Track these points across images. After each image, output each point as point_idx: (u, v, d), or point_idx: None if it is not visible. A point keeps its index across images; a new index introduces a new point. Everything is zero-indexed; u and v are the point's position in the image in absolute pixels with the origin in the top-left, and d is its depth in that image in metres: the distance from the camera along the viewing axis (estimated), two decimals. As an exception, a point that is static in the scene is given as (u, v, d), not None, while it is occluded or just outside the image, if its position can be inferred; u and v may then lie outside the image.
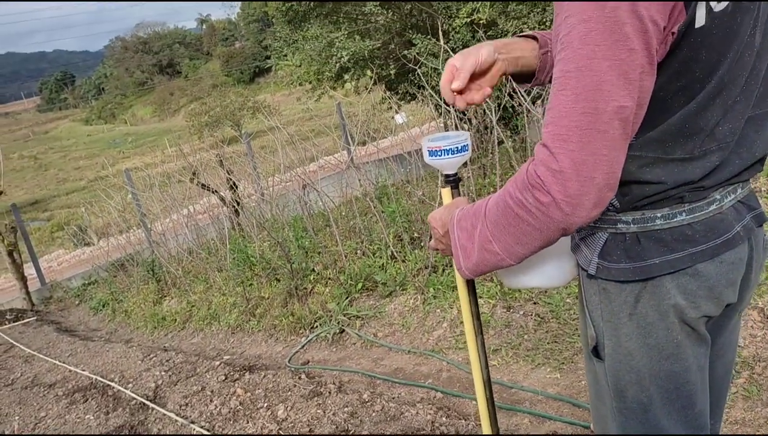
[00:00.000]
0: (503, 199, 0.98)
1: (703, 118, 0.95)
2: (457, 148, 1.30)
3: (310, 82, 11.47)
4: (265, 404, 3.15)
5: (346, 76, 11.08)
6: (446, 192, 1.36)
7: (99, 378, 4.26)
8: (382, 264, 4.53)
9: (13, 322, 7.71)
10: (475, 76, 1.18)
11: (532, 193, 0.91)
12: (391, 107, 8.63)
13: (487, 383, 1.46)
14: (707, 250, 1.00)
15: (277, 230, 5.73)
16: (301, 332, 4.29)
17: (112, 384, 4.05)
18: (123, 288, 7.64)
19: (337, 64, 9.52)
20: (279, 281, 4.94)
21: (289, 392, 3.21)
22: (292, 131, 7.49)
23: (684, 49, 0.90)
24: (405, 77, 9.27)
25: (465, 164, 4.36)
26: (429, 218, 1.25)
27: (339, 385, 3.19)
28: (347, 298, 4.28)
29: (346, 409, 2.88)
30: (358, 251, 4.87)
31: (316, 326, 4.22)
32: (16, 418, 3.97)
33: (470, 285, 1.40)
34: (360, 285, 4.35)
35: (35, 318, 7.75)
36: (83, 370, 4.61)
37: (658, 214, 1.01)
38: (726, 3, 0.89)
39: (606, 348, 1.12)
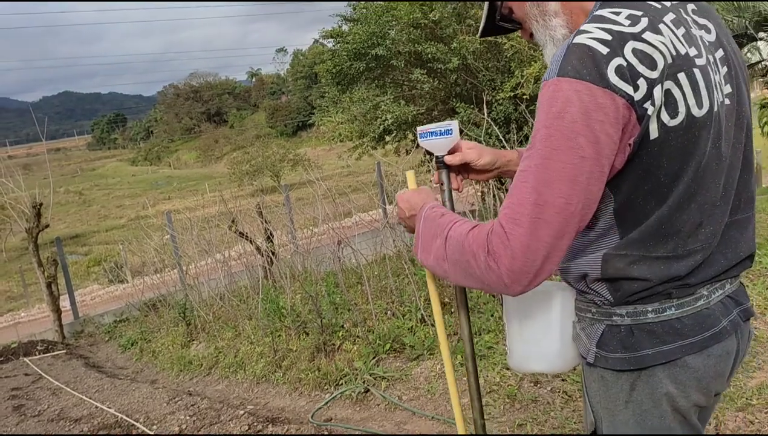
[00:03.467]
0: (464, 242, 1.12)
1: (680, 221, 1.07)
2: (441, 131, 1.50)
3: (352, 140, 11.79)
4: (286, 459, 3.16)
5: (388, 138, 11.37)
6: (410, 175, 1.58)
7: (125, 417, 4.32)
8: (411, 327, 4.55)
9: (44, 353, 7.85)
10: (471, 168, 1.53)
11: (485, 257, 1.06)
12: (429, 170, 8.78)
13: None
14: (695, 343, 1.10)
15: (309, 284, 5.81)
16: (326, 387, 4.29)
17: (138, 424, 4.10)
18: (153, 328, 7.75)
19: (381, 126, 9.81)
20: (308, 334, 4.98)
21: (311, 449, 3.21)
22: (331, 186, 7.65)
23: (643, 157, 1.04)
24: (446, 144, 9.44)
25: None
26: (397, 196, 1.45)
27: (361, 445, 3.18)
28: (374, 358, 4.29)
29: (366, 471, 2.87)
30: (388, 312, 4.90)
31: (342, 384, 4.23)
32: (40, 449, 4.04)
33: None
34: (388, 346, 4.37)
35: (65, 351, 7.88)
36: (109, 407, 4.67)
37: (649, 309, 1.11)
38: (681, 118, 1.04)
39: (605, 433, 1.21)
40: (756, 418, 2.72)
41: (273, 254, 7.26)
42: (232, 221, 7.39)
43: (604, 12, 1.07)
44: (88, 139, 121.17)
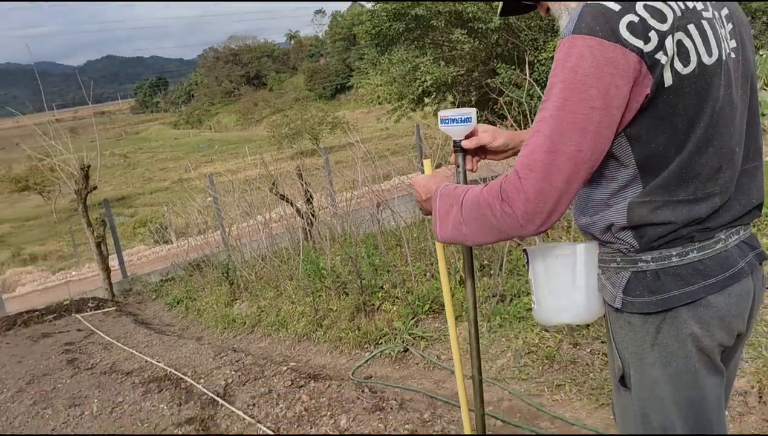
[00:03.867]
0: (478, 198, 1.23)
1: (699, 164, 1.16)
2: (461, 118, 1.59)
3: (390, 103, 11.72)
4: (329, 413, 3.25)
5: (427, 100, 11.27)
6: (427, 163, 1.70)
7: (173, 371, 4.49)
8: (451, 288, 4.57)
9: (94, 310, 8.18)
10: (487, 150, 1.63)
11: (500, 205, 1.16)
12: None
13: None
14: (717, 283, 1.18)
15: (349, 246, 5.88)
16: (365, 346, 4.38)
17: (186, 378, 4.26)
18: (197, 287, 7.98)
19: (420, 88, 9.72)
20: (348, 295, 5.06)
21: (352, 404, 3.30)
22: (370, 148, 7.65)
23: (659, 105, 1.12)
24: (486, 105, 9.33)
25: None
26: (413, 181, 1.54)
27: (400, 402, 3.25)
28: (413, 318, 4.35)
29: (406, 426, 2.94)
30: (427, 273, 4.94)
31: (381, 343, 4.31)
32: (95, 401, 4.24)
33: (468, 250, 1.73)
34: (427, 307, 4.42)
35: (115, 308, 8.19)
36: (159, 361, 4.86)
37: (673, 253, 1.19)
38: (693, 67, 1.12)
39: (632, 378, 1.28)
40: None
41: (313, 216, 7.34)
42: (273, 184, 7.48)
43: None
44: (132, 103, 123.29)
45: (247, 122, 70.65)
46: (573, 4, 1.24)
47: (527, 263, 1.44)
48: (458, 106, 10.73)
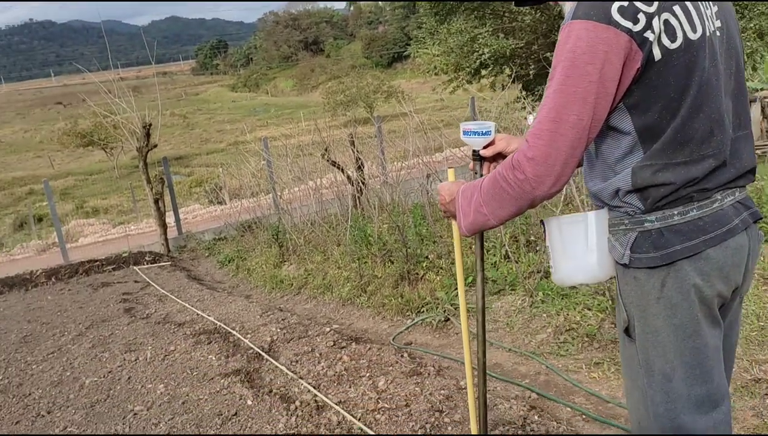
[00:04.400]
0: (494, 176, 1.39)
1: (692, 129, 1.30)
2: (481, 131, 1.76)
3: (447, 73, 11.60)
4: (368, 374, 3.36)
5: (484, 72, 11.11)
6: (451, 172, 1.88)
7: (222, 325, 4.68)
8: (495, 262, 4.60)
9: (151, 263, 8.53)
10: (504, 155, 1.74)
11: (513, 172, 1.33)
12: (524, 107, 8.56)
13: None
14: (715, 237, 1.33)
15: (397, 215, 5.94)
16: (407, 314, 4.46)
17: (234, 332, 4.45)
18: (248, 248, 8.21)
19: (477, 61, 9.59)
20: (393, 263, 5.14)
21: (391, 367, 3.39)
22: (423, 119, 7.63)
23: (652, 77, 1.27)
24: (543, 79, 9.13)
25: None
26: (439, 187, 1.69)
27: (438, 369, 3.32)
28: (456, 289, 4.39)
29: (442, 391, 3.01)
30: (473, 246, 4.96)
31: (423, 311, 4.38)
32: (149, 348, 4.47)
33: (480, 240, 1.90)
34: (470, 279, 4.45)
35: (170, 263, 8.52)
36: (209, 315, 5.07)
37: (675, 212, 1.33)
38: (680, 41, 1.27)
39: (636, 328, 1.41)
40: None
41: (363, 183, 7.42)
42: (325, 150, 7.57)
43: None
44: (192, 65, 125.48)
45: (303, 88, 71.08)
46: None
47: (544, 232, 1.57)
48: (516, 80, 10.55)
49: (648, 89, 1.28)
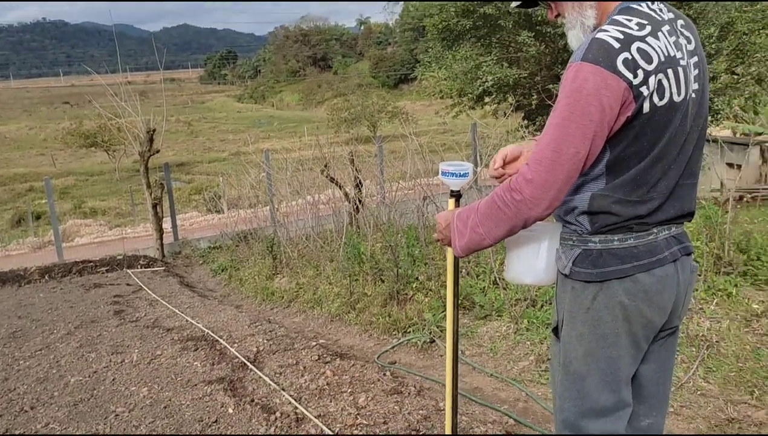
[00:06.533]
0: (492, 197, 1.52)
1: (649, 175, 1.48)
2: (459, 173, 1.88)
3: (452, 98, 11.74)
4: (349, 390, 3.39)
5: (487, 99, 11.25)
6: (451, 202, 1.94)
7: (210, 333, 4.72)
8: (484, 287, 4.66)
9: (145, 267, 8.56)
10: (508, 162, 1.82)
11: (510, 193, 1.47)
12: (524, 136, 8.66)
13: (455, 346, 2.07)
14: (645, 264, 1.50)
15: (391, 234, 6.00)
16: (394, 333, 4.51)
17: (221, 340, 4.48)
18: (242, 258, 8.25)
19: (480, 88, 9.72)
20: (383, 282, 5.19)
21: (373, 385, 3.43)
22: (424, 142, 7.72)
23: (636, 126, 1.43)
24: (545, 110, 9.27)
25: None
26: (437, 216, 1.79)
27: (419, 389, 3.36)
28: (443, 311, 4.44)
29: (421, 411, 3.05)
30: (464, 270, 5.02)
31: (409, 332, 4.42)
32: (136, 351, 4.50)
33: (455, 266, 2.00)
34: (459, 302, 4.49)
35: (163, 268, 8.55)
36: (198, 322, 5.11)
37: (615, 238, 1.51)
38: (666, 101, 1.43)
39: (564, 331, 1.60)
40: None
41: (360, 202, 7.49)
42: (325, 166, 7.65)
43: (621, 18, 1.46)
44: (201, 73, 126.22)
45: (309, 103, 71.46)
46: (589, 22, 1.56)
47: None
48: (517, 109, 10.67)
49: (630, 134, 1.44)
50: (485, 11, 9.35)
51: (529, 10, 9.16)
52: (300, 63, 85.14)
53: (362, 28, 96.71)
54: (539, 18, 8.99)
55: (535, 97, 10.32)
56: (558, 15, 1.63)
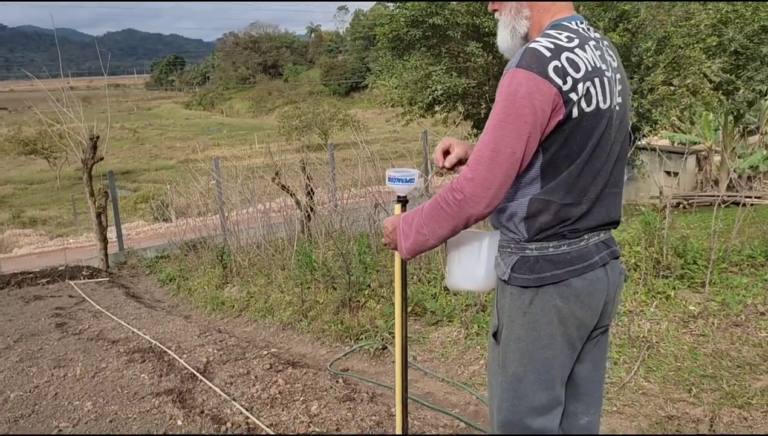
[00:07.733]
0: (435, 199, 1.60)
1: (581, 179, 1.58)
2: (405, 179, 1.94)
3: (402, 106, 11.84)
4: (302, 398, 3.38)
5: (437, 108, 11.39)
6: (398, 207, 1.99)
7: (158, 344, 4.62)
8: (435, 293, 4.71)
9: (88, 278, 8.30)
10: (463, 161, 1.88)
11: (452, 194, 1.54)
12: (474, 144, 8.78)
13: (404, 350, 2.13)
14: (577, 269, 1.61)
15: (342, 242, 6.00)
16: (346, 340, 4.51)
17: (169, 352, 4.39)
18: (191, 267, 8.10)
19: (430, 96, 9.84)
20: (335, 289, 5.19)
21: (325, 392, 3.43)
22: (375, 150, 7.76)
23: (566, 130, 1.53)
24: (493, 119, 9.42)
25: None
26: (384, 221, 1.87)
27: (371, 396, 3.37)
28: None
29: (373, 417, 3.07)
30: (415, 277, 5.07)
31: (362, 338, 4.43)
32: (79, 364, 4.36)
33: (403, 270, 2.08)
34: (410, 309, 4.54)
35: (108, 279, 8.31)
36: (145, 334, 4.99)
37: (551, 245, 1.61)
38: (593, 107, 1.54)
39: (503, 334, 1.69)
40: (750, 415, 2.81)
41: (312, 209, 7.47)
42: (276, 174, 7.61)
43: (552, 32, 1.58)
44: (147, 79, 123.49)
45: (259, 110, 70.78)
46: (521, 29, 1.67)
47: (446, 241, 1.73)
48: (467, 118, 10.83)
49: (560, 138, 1.54)
50: (434, 22, 9.49)
51: (476, 21, 9.36)
52: (250, 70, 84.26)
53: (313, 35, 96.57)
54: (487, 30, 9.18)
55: (484, 106, 10.52)
56: (496, 10, 1.73)
